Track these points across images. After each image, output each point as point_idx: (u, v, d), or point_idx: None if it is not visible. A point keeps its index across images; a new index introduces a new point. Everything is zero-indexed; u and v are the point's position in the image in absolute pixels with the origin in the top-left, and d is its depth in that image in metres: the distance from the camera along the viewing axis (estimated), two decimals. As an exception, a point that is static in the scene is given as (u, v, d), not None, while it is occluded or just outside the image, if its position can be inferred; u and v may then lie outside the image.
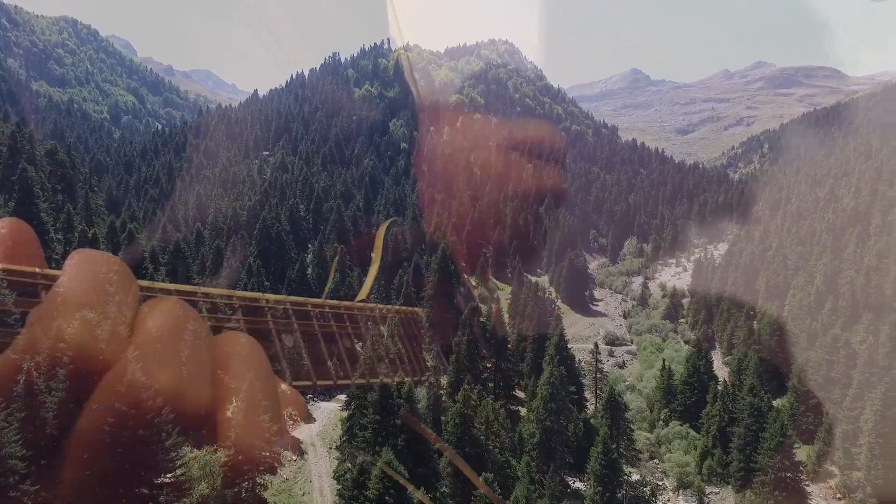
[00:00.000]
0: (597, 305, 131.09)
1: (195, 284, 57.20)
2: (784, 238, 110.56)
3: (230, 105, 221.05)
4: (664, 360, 77.65)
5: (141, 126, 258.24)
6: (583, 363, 76.26)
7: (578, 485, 53.09)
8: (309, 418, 48.74)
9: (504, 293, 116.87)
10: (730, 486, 54.84)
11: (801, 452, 56.93)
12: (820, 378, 61.15)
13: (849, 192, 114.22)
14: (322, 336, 58.19)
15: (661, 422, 68.05)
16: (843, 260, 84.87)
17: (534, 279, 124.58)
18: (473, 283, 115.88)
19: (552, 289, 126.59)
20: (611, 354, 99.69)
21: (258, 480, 34.42)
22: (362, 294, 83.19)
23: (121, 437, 26.49)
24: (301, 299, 63.16)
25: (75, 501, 25.93)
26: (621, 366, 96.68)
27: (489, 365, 67.33)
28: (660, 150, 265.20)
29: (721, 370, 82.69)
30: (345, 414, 42.07)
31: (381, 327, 66.18)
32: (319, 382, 53.61)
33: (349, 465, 37.00)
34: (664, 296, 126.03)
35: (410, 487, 27.69)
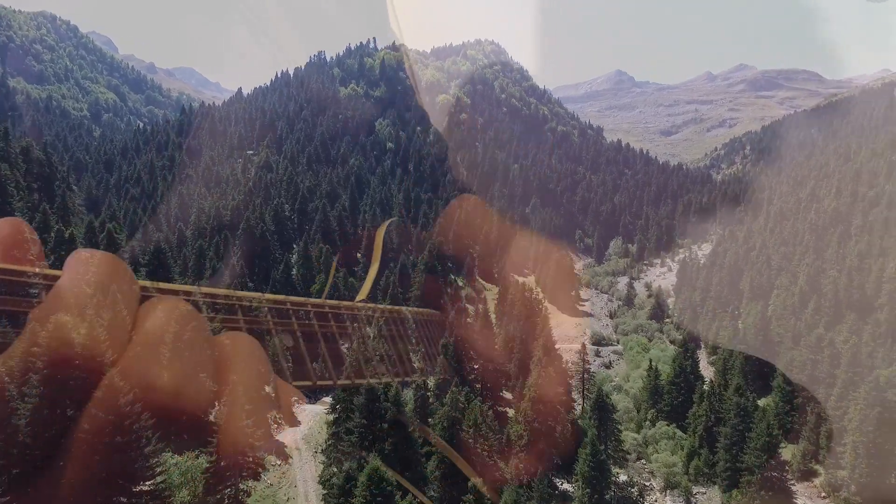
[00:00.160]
0: (583, 305, 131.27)
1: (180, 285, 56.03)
2: (767, 238, 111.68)
3: (214, 103, 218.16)
4: (651, 361, 77.84)
5: (122, 124, 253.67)
6: (570, 363, 76.10)
7: (566, 486, 52.81)
8: (294, 421, 47.87)
9: (491, 293, 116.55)
10: (716, 486, 54.99)
11: (787, 452, 57.26)
12: (804, 377, 61.62)
13: (830, 194, 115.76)
14: (322, 336, 57.49)
15: (648, 422, 68.15)
16: (826, 260, 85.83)
17: (520, 279, 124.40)
18: (460, 284, 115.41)
19: (539, 289, 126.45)
20: (597, 354, 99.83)
21: (241, 486, 33.59)
22: (362, 294, 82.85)
23: (97, 444, 25.58)
24: (301, 299, 62.57)
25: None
26: (608, 366, 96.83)
27: (476, 366, 66.91)
28: (644, 151, 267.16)
29: (706, 370, 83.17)
30: (331, 417, 41.30)
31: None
32: (319, 382, 52.92)
33: (335, 470, 36.29)
34: (650, 296, 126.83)
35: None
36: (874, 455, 48.21)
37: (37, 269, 37.45)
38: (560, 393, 58.79)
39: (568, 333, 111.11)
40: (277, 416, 47.88)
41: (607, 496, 47.69)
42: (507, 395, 69.90)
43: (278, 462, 39.64)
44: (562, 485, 53.17)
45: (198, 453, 32.33)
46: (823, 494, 54.05)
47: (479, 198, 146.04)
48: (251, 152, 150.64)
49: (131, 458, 27.06)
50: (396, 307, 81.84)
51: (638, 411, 72.57)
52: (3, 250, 37.40)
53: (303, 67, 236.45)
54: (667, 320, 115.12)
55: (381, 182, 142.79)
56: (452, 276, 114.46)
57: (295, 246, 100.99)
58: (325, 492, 34.05)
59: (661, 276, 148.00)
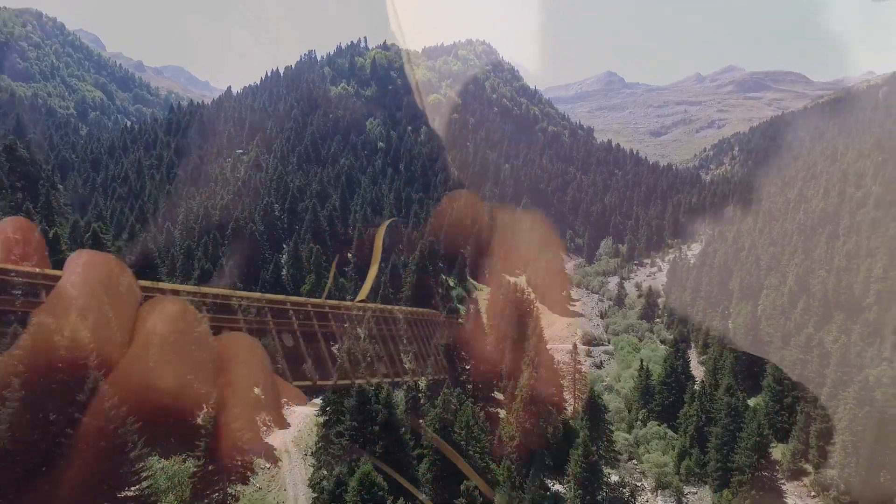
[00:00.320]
0: (574, 305, 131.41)
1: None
2: (756, 238, 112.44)
3: (203, 102, 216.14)
4: (642, 361, 77.99)
5: (109, 123, 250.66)
6: (561, 364, 76.04)
7: (558, 487, 52.65)
8: (283, 423, 47.31)
9: (482, 294, 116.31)
10: (707, 486, 55.14)
11: (777, 451, 57.54)
12: (794, 377, 61.95)
13: (818, 194, 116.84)
14: (322, 336, 57.02)
15: (639, 422, 68.25)
16: (815, 260, 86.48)
17: (512, 279, 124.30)
18: (451, 284, 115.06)
19: (530, 289, 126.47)
20: (588, 354, 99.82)
21: (229, 490, 33.06)
22: (362, 294, 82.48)
23: (81, 449, 25.00)
24: (301, 299, 62.16)
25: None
26: (598, 366, 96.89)
27: (467, 367, 66.58)
28: (634, 152, 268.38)
29: (696, 370, 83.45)
30: (321, 419, 40.79)
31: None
32: (319, 382, 52.45)
33: (325, 473, 35.81)
34: (640, 296, 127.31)
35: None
36: (863, 454, 48.51)
37: (23, 269, 36.86)
38: (552, 394, 58.70)
39: (559, 333, 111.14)
40: (267, 418, 47.35)
41: (599, 497, 47.61)
42: (499, 396, 69.65)
43: (267, 465, 39.09)
44: (553, 486, 53.00)
45: (185, 457, 31.76)
46: (813, 494, 54.32)
47: (471, 198, 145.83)
48: (241, 151, 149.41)
49: (116, 463, 26.48)
50: (388, 306, 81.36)
51: (629, 411, 72.67)
52: (6, 249, 37.07)
53: (293, 66, 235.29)
54: (657, 320, 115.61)
55: (372, 182, 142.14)
56: (444, 277, 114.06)
57: (285, 246, 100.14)
58: (315, 495, 33.59)
59: (652, 276, 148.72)
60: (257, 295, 55.36)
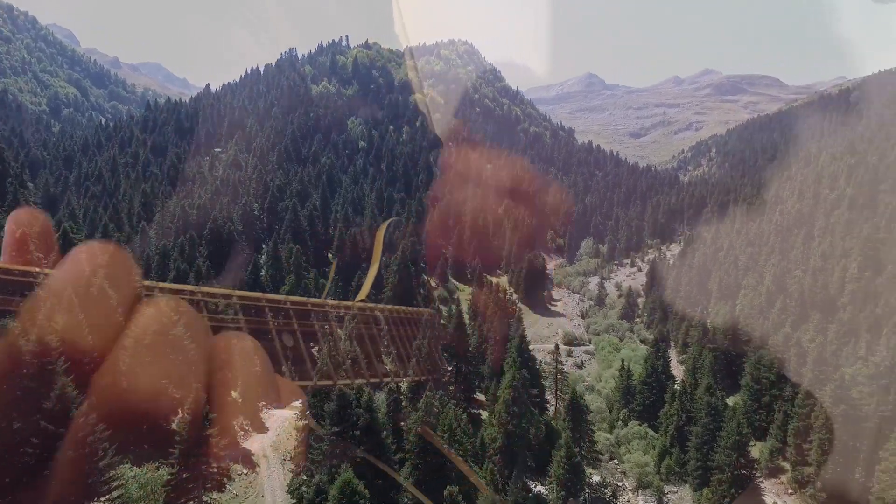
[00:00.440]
0: (555, 306, 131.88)
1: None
2: (734, 239, 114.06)
3: (181, 99, 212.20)
4: (623, 361, 78.41)
5: (83, 120, 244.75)
6: (543, 364, 76.10)
7: (540, 488, 52.50)
8: (261, 427, 46.28)
9: (464, 294, 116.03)
10: (688, 485, 55.53)
11: (755, 450, 58.16)
12: (772, 376, 62.75)
13: (793, 196, 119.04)
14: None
15: (620, 422, 68.55)
16: (791, 261, 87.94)
17: (493, 280, 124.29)
18: (433, 285, 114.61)
19: (511, 289, 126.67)
20: (570, 354, 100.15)
21: (205, 499, 32.08)
22: (362, 294, 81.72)
23: (47, 459, 24.00)
24: (301, 299, 61.21)
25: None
26: (580, 366, 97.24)
27: (450, 368, 66.16)
28: (614, 153, 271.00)
29: (676, 369, 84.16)
30: (301, 423, 39.98)
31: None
32: (320, 382, 51.57)
33: (304, 478, 35.06)
34: (620, 296, 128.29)
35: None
36: (839, 451, 49.26)
37: (22, 268, 36.07)
38: (534, 394, 58.58)
39: (540, 333, 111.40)
40: (244, 423, 46.24)
41: (581, 498, 47.56)
42: (481, 397, 69.34)
43: (245, 471, 38.15)
44: (535, 487, 52.85)
45: (158, 465, 30.73)
46: (790, 491, 55.06)
47: (453, 198, 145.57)
48: (219, 150, 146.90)
49: (85, 474, 25.47)
50: (371, 304, 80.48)
51: (610, 411, 72.97)
52: (17, 244, 36.15)
53: (273, 64, 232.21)
54: (637, 320, 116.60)
55: (354, 181, 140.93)
56: (425, 277, 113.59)
57: (264, 246, 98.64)
58: (293, 501, 32.84)
59: (631, 276, 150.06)
60: (258, 294, 54.37)
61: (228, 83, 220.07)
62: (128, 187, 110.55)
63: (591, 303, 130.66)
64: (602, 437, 63.91)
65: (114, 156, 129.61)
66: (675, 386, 67.22)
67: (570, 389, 63.03)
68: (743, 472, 51.00)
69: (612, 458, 61.83)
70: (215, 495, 32.41)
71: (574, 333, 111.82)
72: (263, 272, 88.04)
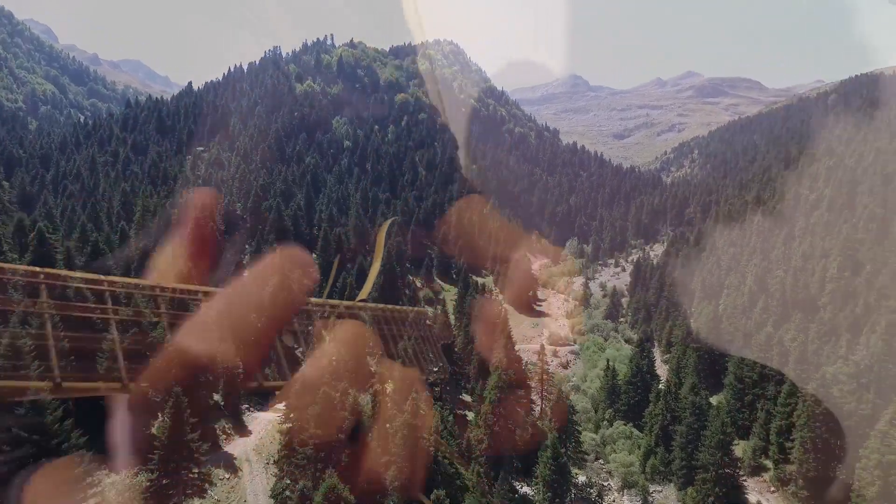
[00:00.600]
0: (540, 306, 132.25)
1: None
2: (717, 239, 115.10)
3: (162, 97, 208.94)
4: (608, 361, 78.70)
5: (61, 117, 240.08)
6: (529, 364, 76.00)
7: (526, 489, 52.37)
8: (244, 431, 45.60)
9: (449, 294, 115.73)
10: (672, 485, 55.77)
11: (738, 448, 58.62)
12: (755, 375, 63.35)
13: (773, 197, 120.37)
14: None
15: (605, 422, 68.75)
16: (772, 261, 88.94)
17: (479, 280, 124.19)
18: (418, 285, 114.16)
19: (496, 290, 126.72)
20: (555, 355, 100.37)
21: (185, 505, 31.42)
22: (363, 294, 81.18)
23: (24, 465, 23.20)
24: (319, 301, 60.85)
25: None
26: (565, 366, 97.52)
27: (436, 369, 65.81)
28: (598, 154, 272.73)
29: (660, 368, 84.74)
30: (284, 426, 39.32)
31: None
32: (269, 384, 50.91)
33: (288, 482, 34.44)
34: (604, 296, 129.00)
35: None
36: (821, 450, 49.83)
37: (21, 268, 36.84)
38: (520, 395, 58.42)
39: (525, 334, 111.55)
40: (227, 426, 45.52)
41: (567, 499, 47.50)
42: (467, 398, 69.13)
43: (227, 476, 37.48)
44: (521, 488, 52.72)
45: (137, 470, 30.02)
46: (773, 489, 55.61)
47: (438, 198, 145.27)
48: (201, 149, 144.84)
49: (62, 480, 24.71)
50: (355, 303, 79.76)
51: (596, 411, 73.16)
52: (199, 219, 42.10)
53: (257, 62, 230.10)
54: (621, 320, 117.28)
55: (338, 181, 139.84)
56: (410, 277, 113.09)
57: (248, 246, 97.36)
58: (277, 506, 32.29)
59: (616, 276, 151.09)
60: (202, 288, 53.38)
61: (211, 81, 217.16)
62: (107, 186, 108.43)
63: (576, 303, 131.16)
64: (588, 436, 64.03)
65: (93, 154, 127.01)
66: (660, 386, 67.53)
67: (556, 390, 62.99)
68: (727, 470, 51.30)
69: (597, 458, 61.95)
70: (196, 501, 31.78)
71: (559, 333, 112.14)
72: (247, 274, 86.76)
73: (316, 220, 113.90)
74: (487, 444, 49.31)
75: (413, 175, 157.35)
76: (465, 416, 63.85)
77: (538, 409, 68.97)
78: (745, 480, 54.52)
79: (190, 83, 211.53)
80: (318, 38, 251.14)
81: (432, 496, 30.18)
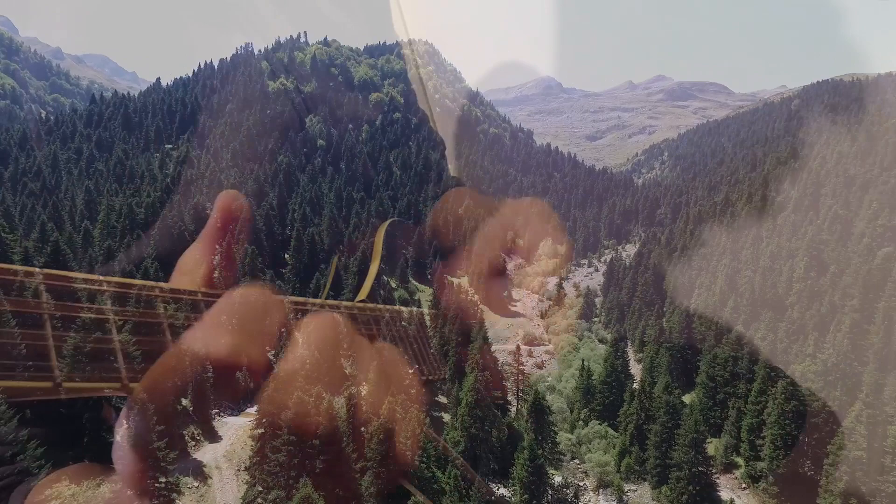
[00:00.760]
0: (515, 306, 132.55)
1: None
2: (688, 240, 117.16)
3: (129, 93, 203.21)
4: (583, 361, 79.10)
5: (22, 113, 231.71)
6: (504, 365, 75.97)
7: (503, 491, 52.13)
8: (214, 437, 44.25)
9: (424, 295, 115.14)
10: (647, 483, 56.24)
11: (711, 446, 59.50)
12: (727, 374, 64.41)
13: (741, 198, 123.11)
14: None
15: (581, 422, 68.99)
16: (742, 261, 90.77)
17: (454, 280, 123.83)
18: (393, 286, 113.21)
19: (472, 290, 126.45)
20: (530, 355, 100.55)
21: (151, 516, 30.15)
22: (362, 294, 79.87)
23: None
24: (301, 299, 59.32)
25: None
26: (540, 366, 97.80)
27: (411, 370, 65.06)
28: (572, 155, 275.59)
29: (634, 368, 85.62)
30: (256, 431, 38.16)
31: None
32: None
33: (259, 490, 33.42)
34: (578, 296, 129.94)
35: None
36: (790, 446, 50.86)
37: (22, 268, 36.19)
38: (496, 396, 58.22)
39: (501, 334, 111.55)
40: (195, 431, 44.10)
41: (544, 500, 47.41)
42: (443, 400, 68.65)
43: (196, 484, 36.25)
44: (498, 490, 52.45)
45: (99, 481, 28.61)
46: (744, 486, 56.55)
47: (413, 198, 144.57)
48: (170, 146, 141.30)
49: (17, 494, 23.34)
50: (332, 301, 78.45)
51: (571, 411, 73.41)
52: (223, 221, 44.48)
53: (228, 59, 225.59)
54: (595, 319, 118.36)
55: (312, 180, 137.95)
56: (385, 278, 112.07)
57: (218, 247, 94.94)
58: (248, 515, 31.26)
59: (589, 276, 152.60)
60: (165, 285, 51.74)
61: (181, 77, 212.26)
62: (70, 184, 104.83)
63: (550, 303, 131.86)
64: (564, 437, 64.17)
65: (55, 151, 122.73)
66: (634, 385, 68.13)
67: (531, 391, 62.96)
68: (700, 468, 51.99)
69: (573, 458, 62.11)
70: (163, 512, 30.55)
71: (534, 333, 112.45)
72: (217, 273, 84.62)
73: (289, 219, 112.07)
74: (464, 446, 48.89)
75: (388, 175, 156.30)
76: (441, 417, 63.41)
77: (514, 409, 68.97)
78: (717, 478, 55.37)
79: (158, 79, 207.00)
80: (291, 36, 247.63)
81: (410, 502, 29.59)
